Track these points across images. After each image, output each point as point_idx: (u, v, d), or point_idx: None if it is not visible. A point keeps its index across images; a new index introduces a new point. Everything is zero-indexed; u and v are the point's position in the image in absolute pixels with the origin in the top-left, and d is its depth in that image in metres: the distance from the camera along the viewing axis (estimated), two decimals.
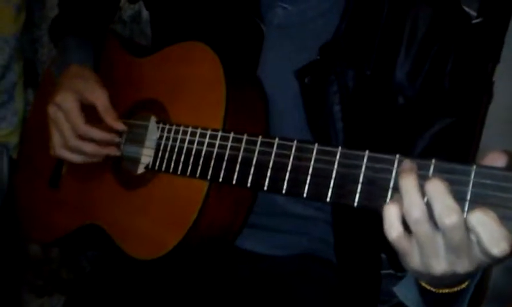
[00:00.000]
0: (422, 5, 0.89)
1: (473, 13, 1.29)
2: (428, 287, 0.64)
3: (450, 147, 0.89)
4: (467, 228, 0.54)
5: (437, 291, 0.64)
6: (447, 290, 0.63)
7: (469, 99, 0.94)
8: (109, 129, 0.97)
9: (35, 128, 1.24)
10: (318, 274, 0.98)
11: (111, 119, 0.96)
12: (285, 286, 0.95)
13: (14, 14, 1.45)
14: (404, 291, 0.68)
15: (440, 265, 0.57)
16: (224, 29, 0.97)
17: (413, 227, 0.56)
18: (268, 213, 0.98)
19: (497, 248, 0.52)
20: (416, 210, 0.55)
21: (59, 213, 1.11)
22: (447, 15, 0.90)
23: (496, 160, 0.55)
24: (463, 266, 0.57)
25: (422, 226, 0.56)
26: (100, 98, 0.97)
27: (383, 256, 1.07)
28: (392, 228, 0.57)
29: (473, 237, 0.55)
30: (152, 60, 1.03)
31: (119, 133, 0.99)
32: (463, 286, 0.63)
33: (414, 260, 0.59)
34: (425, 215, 0.55)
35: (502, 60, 1.33)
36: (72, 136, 0.96)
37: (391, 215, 0.57)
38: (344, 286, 0.97)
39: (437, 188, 0.54)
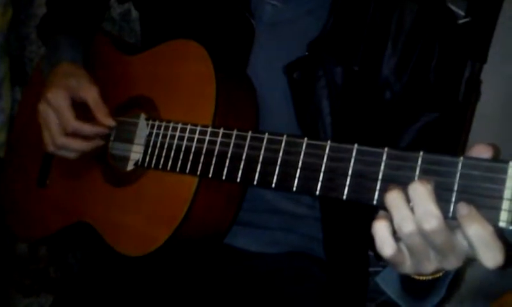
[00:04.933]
0: (408, 1, 0.91)
1: (461, 13, 1.30)
2: (412, 276, 0.64)
3: (435, 141, 0.91)
4: (450, 229, 0.55)
5: (419, 278, 0.64)
6: (430, 277, 0.64)
7: (453, 95, 0.95)
8: (100, 125, 0.97)
9: (23, 126, 1.24)
10: (307, 272, 0.98)
11: (102, 115, 0.96)
12: (275, 284, 0.95)
13: (0, 11, 1.44)
14: (385, 279, 0.69)
15: (430, 266, 0.59)
16: (215, 26, 0.97)
17: (406, 240, 0.57)
18: (258, 210, 0.98)
19: (493, 261, 0.53)
20: (407, 224, 0.56)
21: (47, 212, 1.10)
22: (432, 12, 0.92)
23: (482, 152, 0.56)
24: (450, 264, 0.58)
25: (415, 238, 0.56)
26: (91, 95, 0.96)
27: (371, 253, 1.07)
28: (386, 244, 0.57)
29: (459, 237, 0.56)
30: (142, 58, 1.02)
31: (109, 128, 0.99)
32: (443, 272, 0.64)
33: (407, 267, 0.60)
34: (416, 226, 0.56)
35: (489, 60, 1.35)
36: (58, 133, 0.95)
37: (382, 233, 0.57)
38: (333, 284, 0.98)
39: (418, 192, 0.55)
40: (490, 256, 0.53)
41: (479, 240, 0.53)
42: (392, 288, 0.68)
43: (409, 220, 0.55)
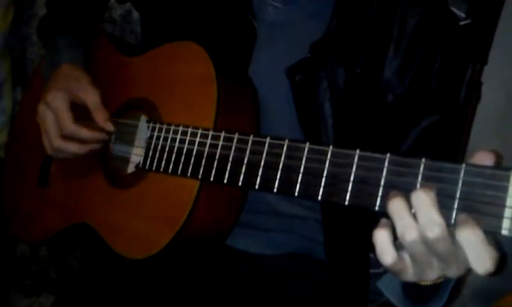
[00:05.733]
0: (411, 4, 0.91)
1: (462, 15, 1.30)
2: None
3: (437, 144, 0.91)
4: (453, 237, 0.55)
5: (421, 283, 0.64)
6: (432, 282, 0.64)
7: (455, 97, 0.95)
8: (98, 129, 0.96)
9: (23, 127, 1.23)
10: (308, 273, 0.98)
11: (101, 119, 0.96)
12: (276, 285, 0.95)
13: (2, 12, 1.44)
14: (386, 284, 0.69)
15: (433, 274, 0.59)
16: (216, 28, 0.97)
17: (409, 248, 0.57)
18: (259, 212, 0.98)
19: (482, 268, 0.53)
20: (410, 232, 0.56)
21: (48, 213, 1.10)
22: (434, 14, 0.92)
23: (484, 159, 0.56)
24: (453, 271, 0.58)
25: (418, 246, 0.56)
26: (91, 97, 0.96)
27: (372, 255, 1.07)
28: (386, 253, 0.57)
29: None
30: (143, 59, 1.02)
31: (108, 132, 0.98)
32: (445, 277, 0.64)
33: (409, 275, 0.60)
34: (420, 235, 0.56)
35: (490, 61, 1.35)
36: (56, 136, 0.95)
37: (382, 241, 0.57)
38: (334, 285, 0.98)
39: (421, 201, 0.55)
40: (480, 262, 0.53)
41: (470, 246, 0.53)
42: (393, 293, 0.68)
43: (413, 228, 0.56)
